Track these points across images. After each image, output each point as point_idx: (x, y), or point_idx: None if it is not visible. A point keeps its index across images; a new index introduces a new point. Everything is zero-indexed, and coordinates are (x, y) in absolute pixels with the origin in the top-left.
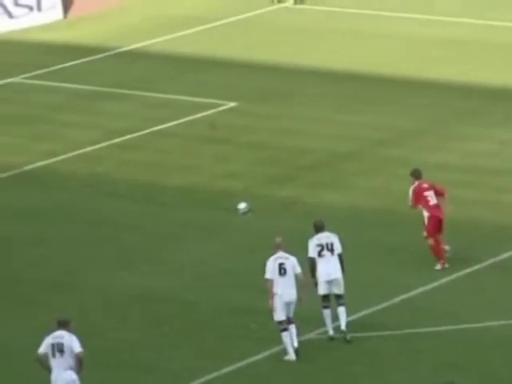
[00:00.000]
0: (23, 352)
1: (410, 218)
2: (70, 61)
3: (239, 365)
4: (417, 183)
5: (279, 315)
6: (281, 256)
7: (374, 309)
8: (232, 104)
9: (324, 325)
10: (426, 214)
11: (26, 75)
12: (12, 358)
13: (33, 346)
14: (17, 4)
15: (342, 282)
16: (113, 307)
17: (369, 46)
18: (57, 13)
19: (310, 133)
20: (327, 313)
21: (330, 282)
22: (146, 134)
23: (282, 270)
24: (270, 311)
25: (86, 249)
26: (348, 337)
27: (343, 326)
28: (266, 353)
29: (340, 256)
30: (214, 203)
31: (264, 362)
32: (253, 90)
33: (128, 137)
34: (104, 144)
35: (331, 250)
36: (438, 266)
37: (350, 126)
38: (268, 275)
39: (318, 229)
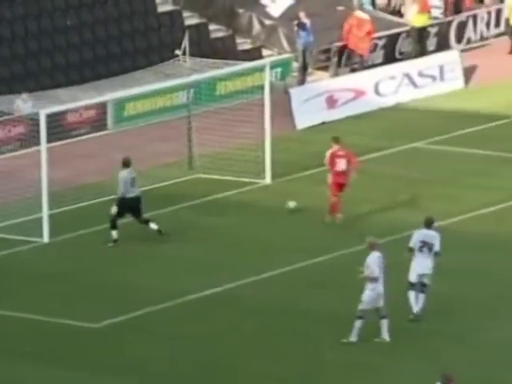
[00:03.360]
0: None
1: None
2: (469, 127)
3: None
4: (335, 148)
5: None
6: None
7: None
8: None
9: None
10: (330, 177)
11: (429, 140)
12: None
13: None
14: (421, 75)
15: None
16: None
17: None
18: (459, 83)
19: None
20: (412, 294)
21: (420, 276)
22: None
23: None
24: None
25: None
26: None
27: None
28: None
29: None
30: None
31: None
32: None
33: None
34: (506, 204)
35: (430, 250)
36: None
37: None
38: None
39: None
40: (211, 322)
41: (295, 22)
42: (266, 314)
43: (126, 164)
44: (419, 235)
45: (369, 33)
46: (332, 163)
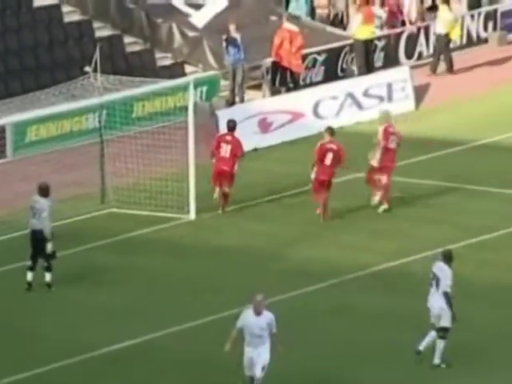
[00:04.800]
0: None
1: None
2: (420, 154)
3: None
4: (324, 142)
5: None
6: None
7: None
8: None
9: None
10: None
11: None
12: None
13: None
14: (367, 95)
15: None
16: None
17: None
18: (409, 103)
19: None
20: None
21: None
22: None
23: None
24: None
25: None
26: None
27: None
28: None
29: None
30: None
31: None
32: None
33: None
34: (461, 243)
35: (437, 285)
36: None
37: None
38: None
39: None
40: (126, 378)
41: (224, 37)
42: (187, 366)
43: (44, 192)
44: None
45: (300, 47)
46: (320, 156)
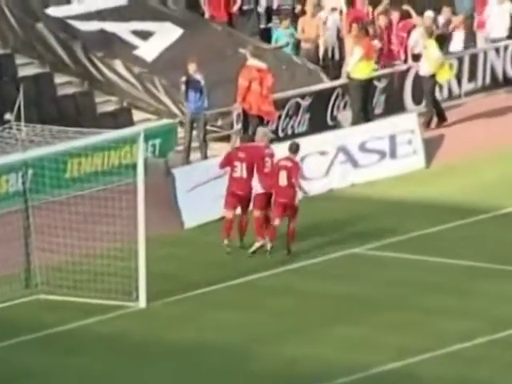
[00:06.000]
0: None
1: None
2: (430, 226)
3: None
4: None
5: None
6: None
7: None
8: None
9: None
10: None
11: (373, 244)
12: None
13: None
14: (364, 149)
15: None
16: None
17: None
18: (418, 161)
19: None
20: None
21: None
22: None
23: None
24: None
25: None
26: None
27: None
28: None
29: None
30: None
31: None
32: None
33: None
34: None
35: None
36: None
37: None
38: None
39: None
40: None
41: (183, 79)
42: None
43: None
44: None
45: (270, 89)
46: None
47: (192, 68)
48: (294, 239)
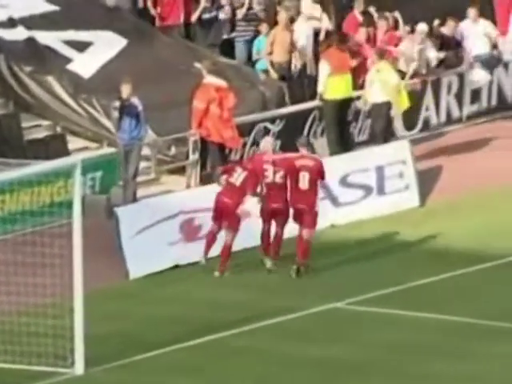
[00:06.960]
0: None
1: None
2: (421, 277)
3: None
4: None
5: None
6: None
7: None
8: None
9: None
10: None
11: (355, 298)
12: None
13: None
14: (345, 184)
15: None
16: None
17: None
18: (410, 198)
19: None
20: None
21: None
22: None
23: None
24: None
25: None
26: None
27: None
28: None
29: None
30: None
31: None
32: None
33: None
34: None
35: None
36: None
37: None
38: None
39: None
40: None
41: (115, 104)
42: None
43: None
44: None
45: (231, 111)
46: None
47: (126, 91)
48: (307, 255)
